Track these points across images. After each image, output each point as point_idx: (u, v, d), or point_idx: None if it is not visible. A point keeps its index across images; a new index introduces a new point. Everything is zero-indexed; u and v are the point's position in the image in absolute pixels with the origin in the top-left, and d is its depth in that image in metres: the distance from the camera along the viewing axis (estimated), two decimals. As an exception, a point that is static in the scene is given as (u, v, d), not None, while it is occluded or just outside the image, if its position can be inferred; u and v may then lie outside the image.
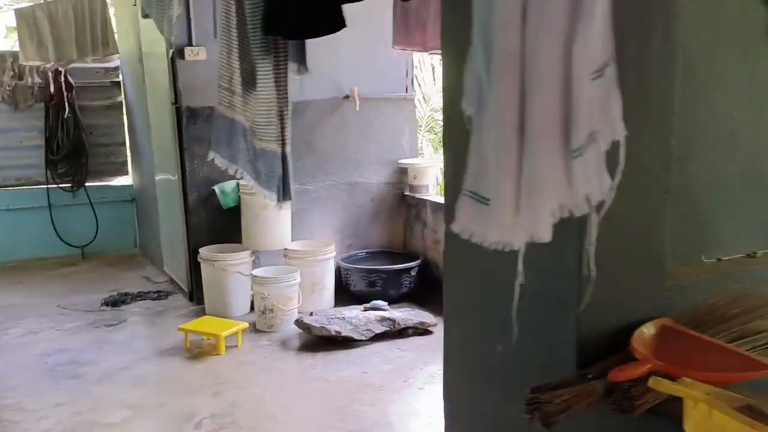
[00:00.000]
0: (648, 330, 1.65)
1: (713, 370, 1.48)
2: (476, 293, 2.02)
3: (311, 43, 2.60)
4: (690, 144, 1.73)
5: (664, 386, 1.37)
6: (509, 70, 1.02)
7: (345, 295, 4.57)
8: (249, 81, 2.29)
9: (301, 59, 2.42)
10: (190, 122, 4.44)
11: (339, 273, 4.64)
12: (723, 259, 2.18)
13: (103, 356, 3.77)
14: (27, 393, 3.32)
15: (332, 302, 4.50)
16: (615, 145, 1.04)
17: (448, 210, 1.88)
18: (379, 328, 3.92)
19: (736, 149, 1.88)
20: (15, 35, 5.78)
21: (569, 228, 1.23)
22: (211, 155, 2.59)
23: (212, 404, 3.16)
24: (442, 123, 2.14)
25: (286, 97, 2.26)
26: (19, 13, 5.36)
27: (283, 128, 2.26)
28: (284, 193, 2.34)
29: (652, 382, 1.35)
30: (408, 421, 2.99)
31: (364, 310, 4.11)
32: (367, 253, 4.89)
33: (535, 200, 1.05)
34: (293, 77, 2.32)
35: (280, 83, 2.25)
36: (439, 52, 2.02)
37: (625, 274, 1.67)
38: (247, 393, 3.29)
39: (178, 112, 4.46)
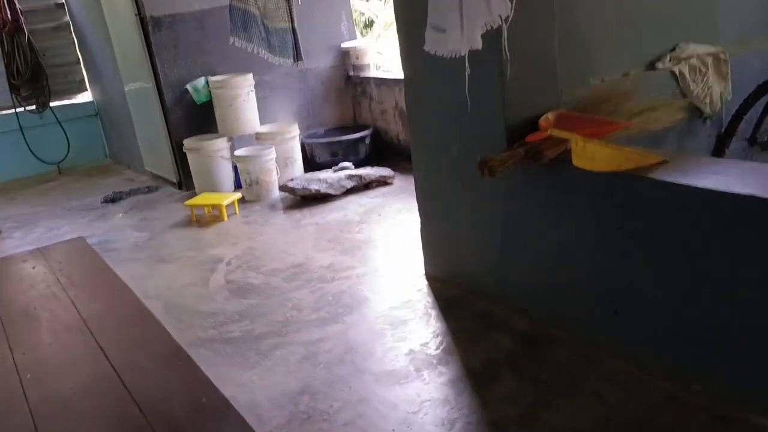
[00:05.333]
0: (550, 115, 2.56)
1: (590, 129, 2.40)
2: (433, 118, 2.88)
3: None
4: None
5: (558, 133, 2.30)
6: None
7: (313, 165, 5.38)
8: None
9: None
10: (156, 30, 4.99)
11: (304, 148, 5.43)
12: (605, 78, 3.18)
13: (126, 235, 4.52)
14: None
15: (303, 172, 5.32)
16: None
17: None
18: (350, 184, 4.80)
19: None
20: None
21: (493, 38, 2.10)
22: (231, 39, 3.30)
23: (233, 250, 3.99)
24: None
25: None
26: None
27: (290, 10, 3.00)
28: (297, 56, 3.10)
29: (550, 132, 2.28)
30: (388, 237, 3.91)
31: (334, 172, 4.96)
32: (325, 130, 5.68)
33: (471, 22, 1.88)
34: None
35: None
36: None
37: (530, 84, 2.56)
38: (258, 241, 4.13)
39: (143, 22, 4.99)
